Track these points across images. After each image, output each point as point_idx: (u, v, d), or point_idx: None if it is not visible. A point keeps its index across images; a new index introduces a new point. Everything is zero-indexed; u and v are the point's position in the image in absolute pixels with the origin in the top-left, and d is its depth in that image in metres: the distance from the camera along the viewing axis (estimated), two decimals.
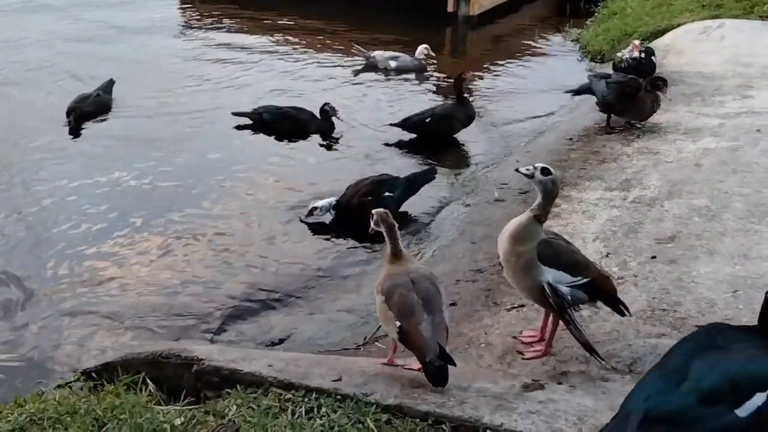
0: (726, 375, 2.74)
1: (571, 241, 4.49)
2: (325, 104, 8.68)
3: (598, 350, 4.02)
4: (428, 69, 10.96)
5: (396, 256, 3.88)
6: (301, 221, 6.79)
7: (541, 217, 3.99)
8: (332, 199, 6.77)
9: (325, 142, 8.61)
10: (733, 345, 2.86)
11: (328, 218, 6.79)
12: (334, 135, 8.68)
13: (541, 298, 4.03)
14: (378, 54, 10.99)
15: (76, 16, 12.85)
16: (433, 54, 10.98)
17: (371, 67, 10.96)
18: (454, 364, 3.66)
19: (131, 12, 13.20)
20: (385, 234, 3.91)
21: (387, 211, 3.95)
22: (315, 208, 6.72)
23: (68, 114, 8.63)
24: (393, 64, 10.87)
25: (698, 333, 3.10)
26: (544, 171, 3.94)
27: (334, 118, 8.65)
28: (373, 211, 3.99)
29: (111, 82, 9.44)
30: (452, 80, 9.12)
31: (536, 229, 4.00)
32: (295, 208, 7.03)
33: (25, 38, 11.56)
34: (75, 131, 8.52)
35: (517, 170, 4.10)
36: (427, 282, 3.77)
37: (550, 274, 3.95)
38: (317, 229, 6.75)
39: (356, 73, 10.88)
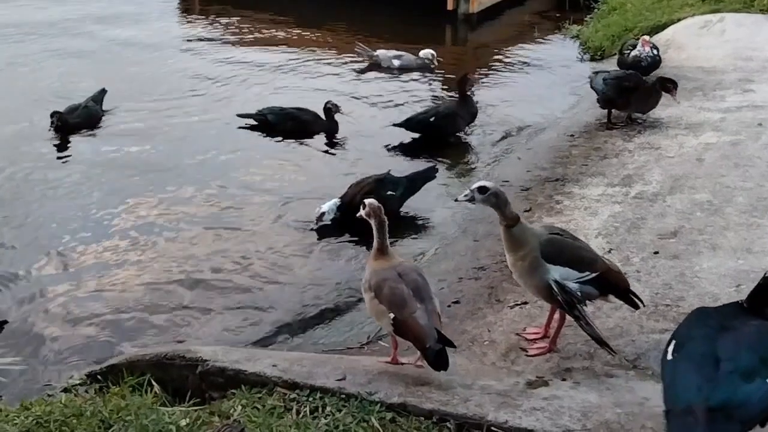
0: (753, 350, 2.93)
1: None
2: (328, 102, 8.68)
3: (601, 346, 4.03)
4: (432, 68, 10.93)
5: (382, 252, 3.92)
6: (312, 229, 6.70)
7: (508, 222, 4.01)
8: (336, 200, 6.74)
9: (328, 142, 8.61)
10: (735, 323, 3.06)
11: (332, 218, 6.73)
12: (337, 135, 8.69)
13: (550, 297, 4.05)
14: (381, 53, 10.97)
15: (71, 30, 12.43)
16: (436, 63, 10.92)
17: (375, 66, 10.96)
18: (454, 346, 3.71)
19: (130, 25, 12.79)
20: (374, 228, 3.93)
21: (380, 205, 3.96)
22: (323, 213, 6.67)
23: (51, 116, 8.31)
24: (396, 63, 10.85)
25: (696, 319, 3.19)
26: (481, 190, 3.99)
27: (338, 115, 8.64)
28: (366, 201, 3.99)
29: (102, 92, 9.05)
30: (456, 79, 9.08)
31: (520, 232, 4.02)
32: (300, 210, 7.03)
33: (16, 56, 11.11)
34: (62, 145, 8.21)
35: (456, 200, 4.26)
36: (414, 273, 3.85)
37: (556, 272, 3.96)
38: (321, 229, 6.75)
39: (359, 72, 10.86)
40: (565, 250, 4.04)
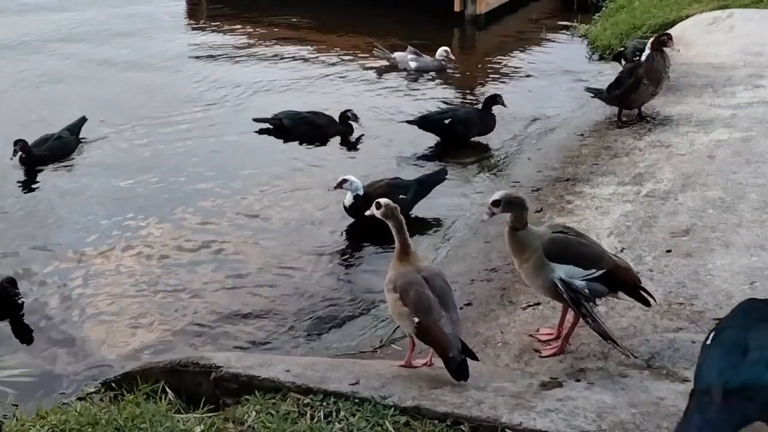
0: None
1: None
2: (347, 111, 8.75)
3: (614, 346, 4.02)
4: (448, 69, 10.93)
5: (405, 252, 3.88)
6: (328, 190, 6.89)
7: (516, 225, 4.06)
8: (361, 187, 6.71)
9: (343, 146, 8.64)
10: None
11: (348, 199, 6.69)
12: (352, 138, 8.74)
13: (557, 295, 4.05)
14: (399, 55, 11.03)
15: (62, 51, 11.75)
16: (453, 57, 10.94)
17: (392, 67, 11.00)
18: (476, 358, 3.72)
19: (135, 43, 12.27)
20: (393, 230, 3.90)
21: (396, 205, 3.96)
22: (345, 181, 6.67)
23: (15, 144, 7.74)
24: (413, 64, 10.91)
25: (741, 310, 3.29)
26: (495, 203, 4.05)
27: (354, 124, 8.72)
28: (382, 201, 3.95)
29: (81, 120, 8.50)
30: (486, 95, 9.07)
31: (525, 235, 4.06)
32: (311, 214, 7.05)
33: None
34: (29, 171, 7.80)
35: (482, 221, 4.34)
36: (440, 280, 3.83)
37: (561, 270, 3.97)
38: (331, 231, 6.77)
39: (377, 74, 10.88)
40: (568, 248, 4.04)
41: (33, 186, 7.68)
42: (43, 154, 7.98)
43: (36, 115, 9.25)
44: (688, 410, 2.98)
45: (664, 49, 7.79)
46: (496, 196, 4.07)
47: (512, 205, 4.03)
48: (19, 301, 5.60)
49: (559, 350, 4.22)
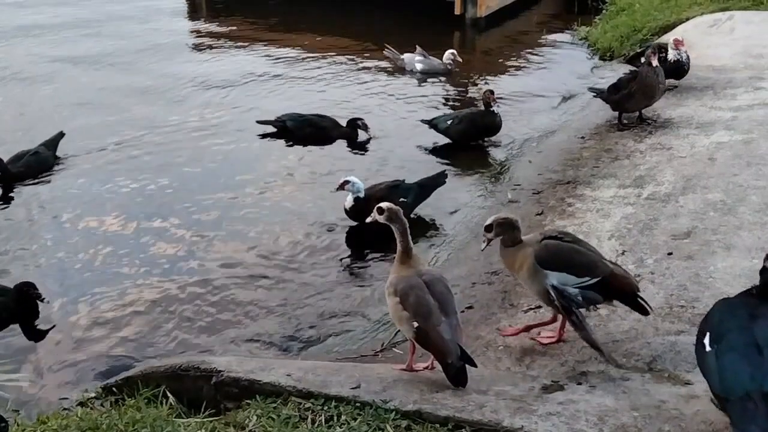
0: None
1: (586, 241, 4.49)
2: (358, 119, 8.78)
3: (616, 349, 4.05)
4: (454, 72, 10.94)
5: (407, 254, 3.89)
6: (331, 192, 6.90)
7: (507, 243, 4.21)
8: (363, 189, 6.72)
9: (346, 148, 8.66)
10: (762, 311, 3.21)
11: (349, 202, 6.69)
12: (356, 141, 8.76)
13: (550, 302, 4.08)
14: (407, 56, 11.09)
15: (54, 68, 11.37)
16: (461, 60, 10.96)
17: (399, 69, 11.04)
18: (475, 365, 3.71)
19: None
20: (396, 232, 3.91)
21: (399, 208, 3.96)
22: (347, 182, 6.68)
23: None
24: (419, 66, 10.96)
25: (725, 311, 3.31)
26: (487, 229, 4.23)
27: (361, 131, 8.74)
28: (384, 206, 3.96)
29: (59, 136, 8.26)
30: (475, 87, 9.11)
31: (515, 249, 4.18)
32: (312, 219, 7.04)
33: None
34: (6, 189, 7.57)
35: (482, 250, 4.45)
36: (441, 284, 3.85)
37: (553, 278, 4.01)
38: (333, 234, 6.76)
39: (384, 76, 10.91)
40: (560, 255, 4.06)
41: (13, 202, 7.50)
42: (20, 171, 7.76)
43: (26, 135, 8.83)
44: (736, 423, 2.99)
45: (652, 62, 7.81)
46: (488, 221, 4.21)
47: (503, 226, 4.17)
48: (45, 301, 5.62)
49: (558, 338, 4.29)
